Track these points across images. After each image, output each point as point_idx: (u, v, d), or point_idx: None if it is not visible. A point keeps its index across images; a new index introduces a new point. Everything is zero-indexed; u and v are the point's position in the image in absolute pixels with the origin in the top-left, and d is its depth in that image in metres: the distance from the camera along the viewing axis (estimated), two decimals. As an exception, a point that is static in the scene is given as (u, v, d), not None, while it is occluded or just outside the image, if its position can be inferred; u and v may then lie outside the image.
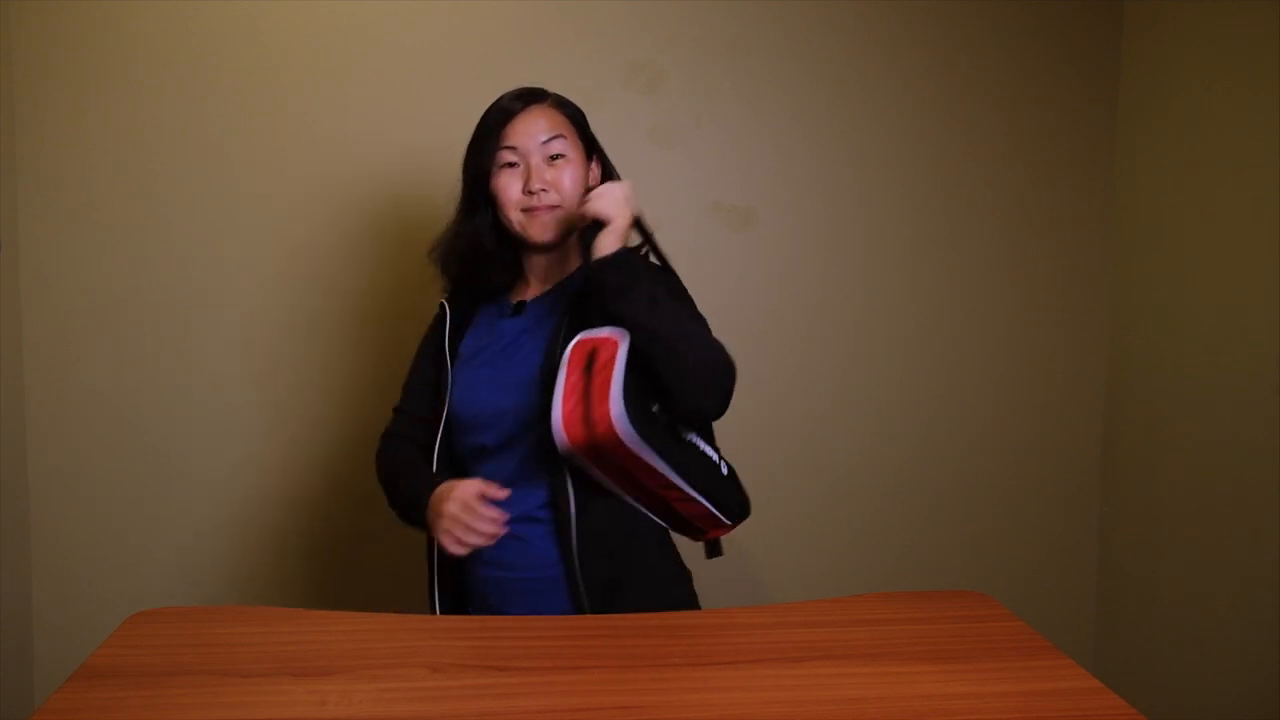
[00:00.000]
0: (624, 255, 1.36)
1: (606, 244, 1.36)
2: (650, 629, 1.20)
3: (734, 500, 1.44)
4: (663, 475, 1.34)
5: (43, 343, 2.22)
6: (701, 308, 1.45)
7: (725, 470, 1.44)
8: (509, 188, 1.43)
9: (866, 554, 2.47)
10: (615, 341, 1.31)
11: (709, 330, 1.39)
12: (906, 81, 2.38)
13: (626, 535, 1.42)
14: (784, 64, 2.34)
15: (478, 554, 1.38)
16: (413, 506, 1.41)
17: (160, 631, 1.18)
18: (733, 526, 1.46)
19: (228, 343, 2.26)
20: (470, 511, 1.31)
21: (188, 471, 2.27)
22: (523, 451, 1.41)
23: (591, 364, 1.30)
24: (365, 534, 2.31)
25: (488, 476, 1.38)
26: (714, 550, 1.50)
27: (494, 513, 1.32)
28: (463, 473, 1.46)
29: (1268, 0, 1.98)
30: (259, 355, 2.27)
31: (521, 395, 1.40)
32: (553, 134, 1.43)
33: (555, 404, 1.29)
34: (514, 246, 1.50)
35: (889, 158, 2.40)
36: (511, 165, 1.43)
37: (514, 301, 1.52)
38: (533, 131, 1.43)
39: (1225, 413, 2.10)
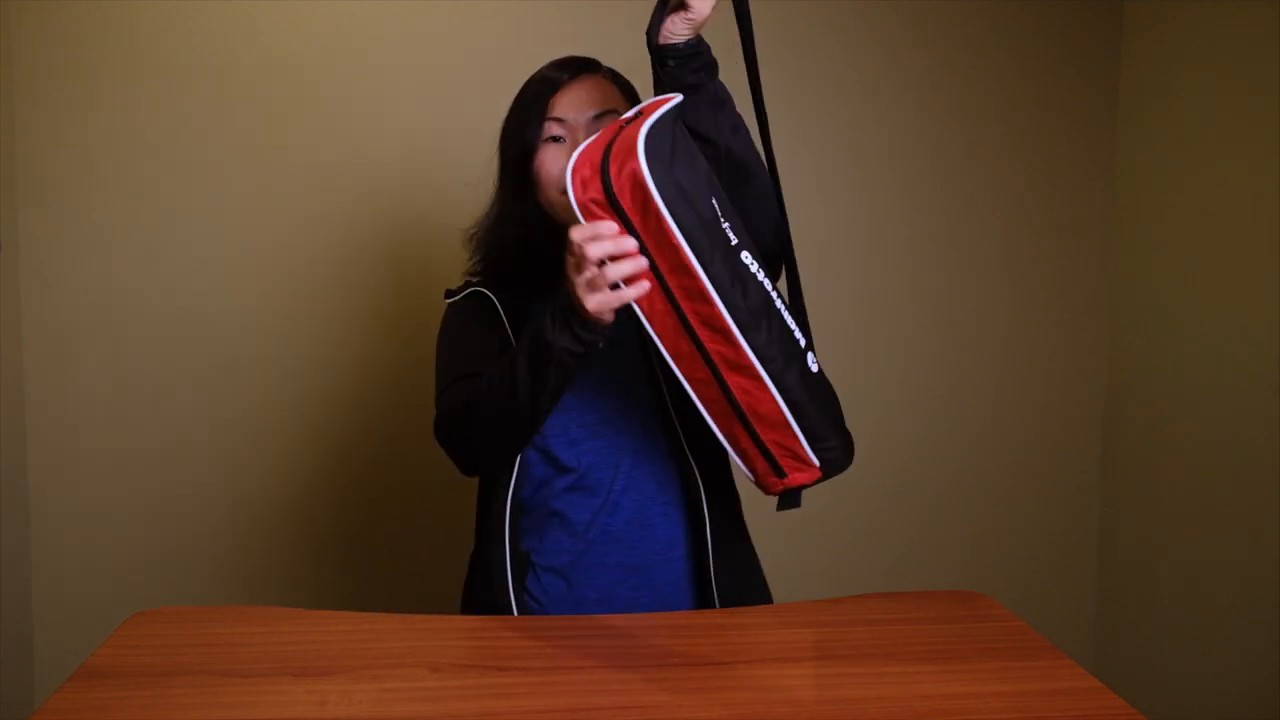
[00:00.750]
0: (701, 48, 1.14)
1: (679, 28, 1.11)
2: (650, 629, 1.20)
3: (826, 418, 1.08)
4: (701, 285, 1.00)
5: (43, 343, 2.22)
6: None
7: (814, 365, 1.09)
8: (553, 165, 1.24)
9: (866, 554, 2.47)
10: (671, 98, 1.06)
11: None
12: (906, 81, 2.38)
13: (747, 560, 1.37)
14: (784, 64, 2.34)
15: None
16: (535, 348, 1.09)
17: (160, 631, 1.18)
18: (819, 471, 1.08)
19: (228, 343, 2.26)
20: (609, 241, 1.00)
21: (188, 471, 2.27)
22: (644, 466, 1.28)
23: (634, 120, 1.04)
24: (367, 535, 2.32)
25: (587, 500, 1.28)
26: (790, 500, 1.11)
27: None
28: (540, 505, 1.30)
29: (1268, 1, 1.98)
30: (258, 355, 2.27)
31: (637, 401, 1.28)
32: (606, 108, 1.25)
33: (576, 150, 1.04)
34: (553, 233, 1.28)
35: (889, 158, 2.39)
36: (557, 140, 1.25)
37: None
38: (584, 104, 1.25)
39: (1225, 413, 2.10)
